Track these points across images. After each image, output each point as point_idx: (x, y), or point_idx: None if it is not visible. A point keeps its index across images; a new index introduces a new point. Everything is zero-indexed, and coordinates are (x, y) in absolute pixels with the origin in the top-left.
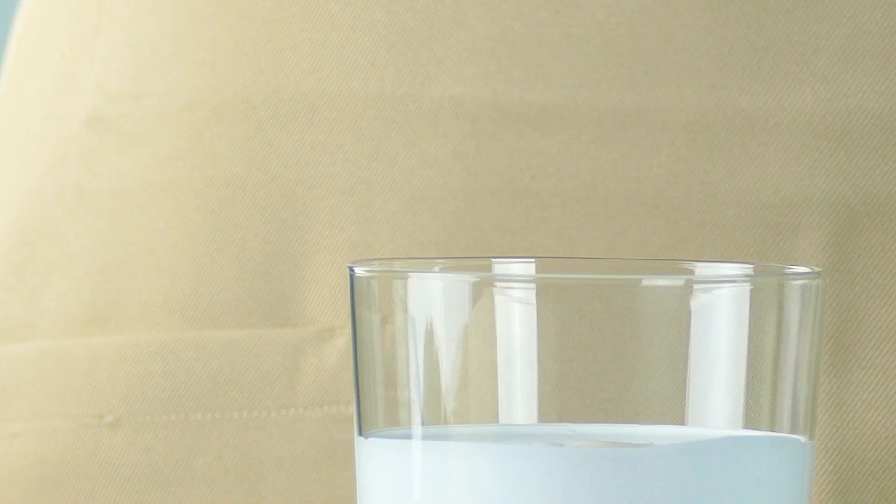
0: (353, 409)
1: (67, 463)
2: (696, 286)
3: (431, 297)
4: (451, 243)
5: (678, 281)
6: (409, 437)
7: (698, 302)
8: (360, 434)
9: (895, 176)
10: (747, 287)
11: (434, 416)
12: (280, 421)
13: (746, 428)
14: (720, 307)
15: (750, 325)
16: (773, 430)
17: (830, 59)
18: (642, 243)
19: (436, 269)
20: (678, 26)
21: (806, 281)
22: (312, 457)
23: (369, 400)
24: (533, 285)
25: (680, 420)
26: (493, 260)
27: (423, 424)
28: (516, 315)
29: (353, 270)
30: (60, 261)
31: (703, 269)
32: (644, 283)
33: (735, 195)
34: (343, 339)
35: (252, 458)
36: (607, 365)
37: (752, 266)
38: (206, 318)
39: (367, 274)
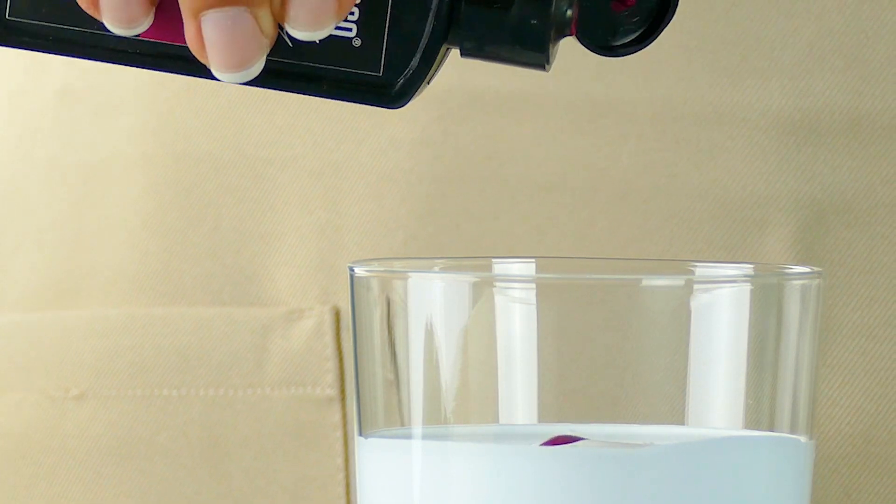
0: (354, 408)
1: (30, 436)
2: (696, 286)
3: (431, 297)
4: (419, 227)
5: (678, 281)
6: (409, 437)
7: (698, 302)
8: (360, 434)
9: (861, 174)
10: (747, 287)
11: (434, 416)
12: (247, 400)
13: (746, 428)
14: (720, 307)
15: (750, 325)
16: (773, 430)
17: (797, 56)
18: (610, 233)
19: (436, 269)
20: None
21: (806, 281)
22: (278, 437)
23: (369, 400)
24: (533, 285)
25: (680, 420)
26: (493, 260)
27: (423, 424)
28: (516, 315)
29: (353, 270)
30: (31, 233)
31: (703, 270)
32: (644, 283)
33: (702, 189)
34: (311, 321)
35: (217, 435)
36: (607, 365)
37: (752, 266)
38: (176, 294)
39: (368, 274)
